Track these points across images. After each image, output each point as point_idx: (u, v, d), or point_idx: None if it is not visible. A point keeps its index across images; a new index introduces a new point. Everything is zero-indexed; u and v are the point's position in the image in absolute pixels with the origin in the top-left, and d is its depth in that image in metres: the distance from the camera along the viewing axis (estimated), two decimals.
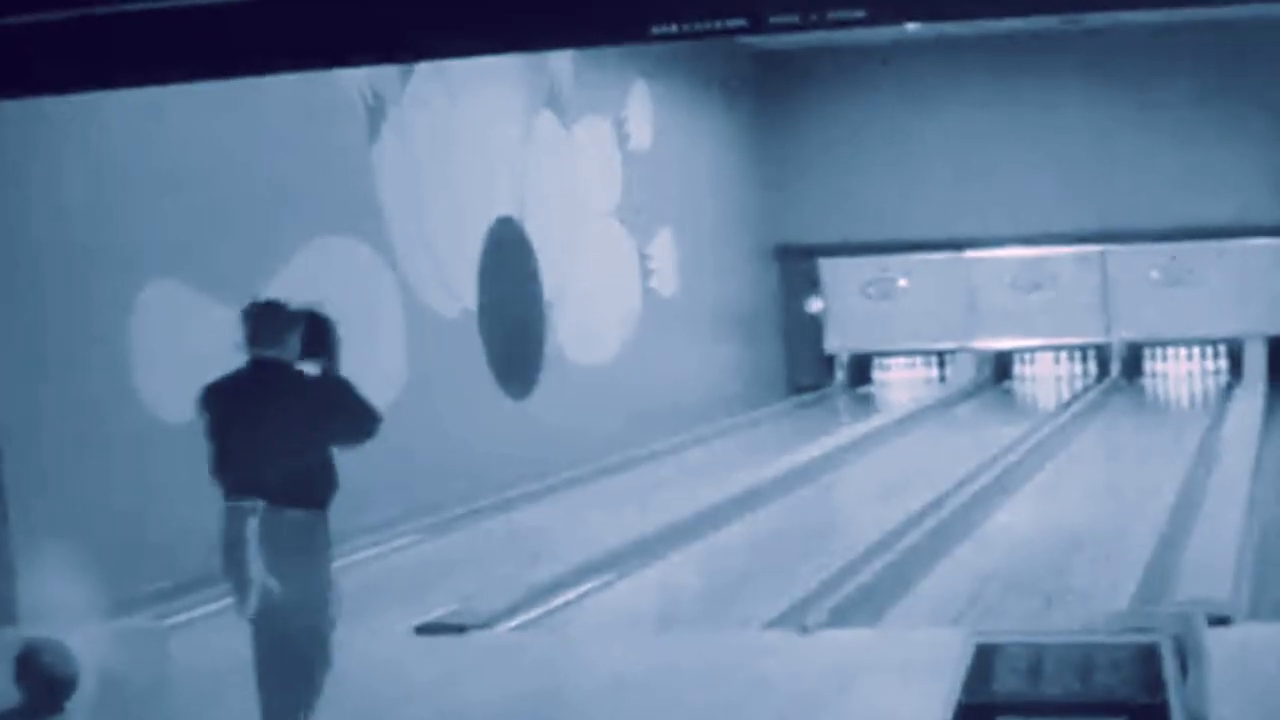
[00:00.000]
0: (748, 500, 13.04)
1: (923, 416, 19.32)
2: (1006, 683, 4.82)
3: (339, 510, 12.28)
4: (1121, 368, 21.99)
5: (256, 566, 6.06)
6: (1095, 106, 21.38)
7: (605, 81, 17.47)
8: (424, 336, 13.56)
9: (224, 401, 6.33)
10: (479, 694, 7.59)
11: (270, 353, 6.29)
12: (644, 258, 18.57)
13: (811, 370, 22.73)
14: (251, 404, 6.22)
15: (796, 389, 22.23)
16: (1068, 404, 19.89)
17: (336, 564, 11.18)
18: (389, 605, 9.78)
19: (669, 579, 10.75)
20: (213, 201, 11.06)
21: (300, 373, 6.31)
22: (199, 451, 10.65)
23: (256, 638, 6.21)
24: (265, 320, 6.38)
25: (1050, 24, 20.04)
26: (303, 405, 6.23)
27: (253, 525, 6.08)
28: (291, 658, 6.18)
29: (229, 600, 9.84)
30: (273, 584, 6.07)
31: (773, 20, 6.71)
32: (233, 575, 6.15)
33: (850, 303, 22.68)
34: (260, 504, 6.07)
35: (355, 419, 6.39)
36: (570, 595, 9.92)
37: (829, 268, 22.63)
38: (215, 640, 8.94)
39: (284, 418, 6.17)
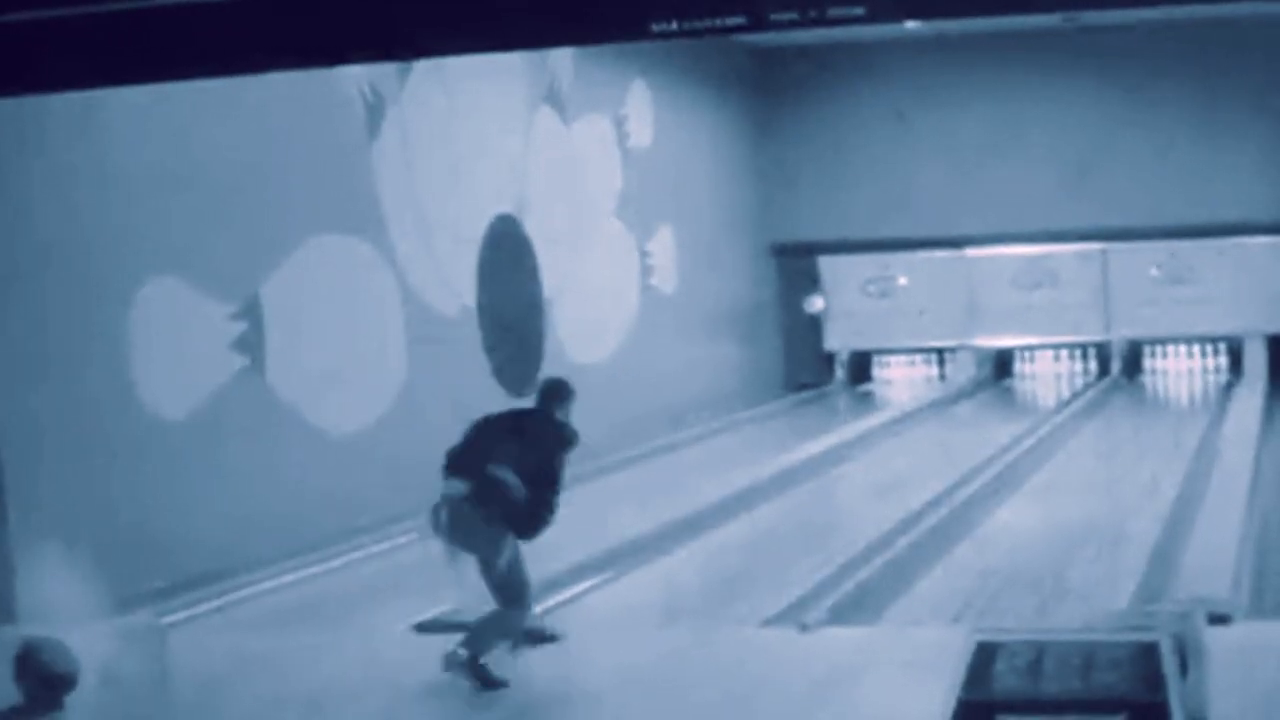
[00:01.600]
0: (747, 498, 13.03)
1: (923, 414, 19.32)
2: (1007, 680, 4.82)
3: (337, 509, 12.33)
4: (1121, 365, 21.99)
5: (443, 542, 7.66)
6: (1095, 104, 21.37)
7: (605, 79, 17.47)
8: (423, 334, 13.56)
9: (505, 420, 7.98)
10: (478, 692, 7.57)
11: (550, 409, 7.90)
12: (644, 255, 18.57)
13: (811, 368, 22.73)
14: (520, 433, 7.80)
15: (796, 387, 22.23)
16: (1068, 402, 19.89)
17: (337, 563, 11.25)
18: (390, 604, 9.78)
19: (669, 576, 10.74)
20: (213, 200, 11.05)
21: (563, 427, 7.87)
22: (198, 450, 10.71)
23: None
24: (549, 388, 8.02)
25: (1050, 22, 20.01)
26: (552, 447, 7.74)
27: (443, 516, 7.62)
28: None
29: (227, 599, 9.92)
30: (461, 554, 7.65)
31: (772, 18, 6.70)
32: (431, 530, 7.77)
33: (850, 301, 22.67)
34: (456, 497, 7.59)
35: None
36: (570, 592, 9.91)
37: (829, 266, 22.62)
38: (214, 638, 8.95)
39: (523, 449, 7.68)
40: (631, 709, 7.38)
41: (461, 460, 7.74)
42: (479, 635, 7.56)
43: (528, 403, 8.19)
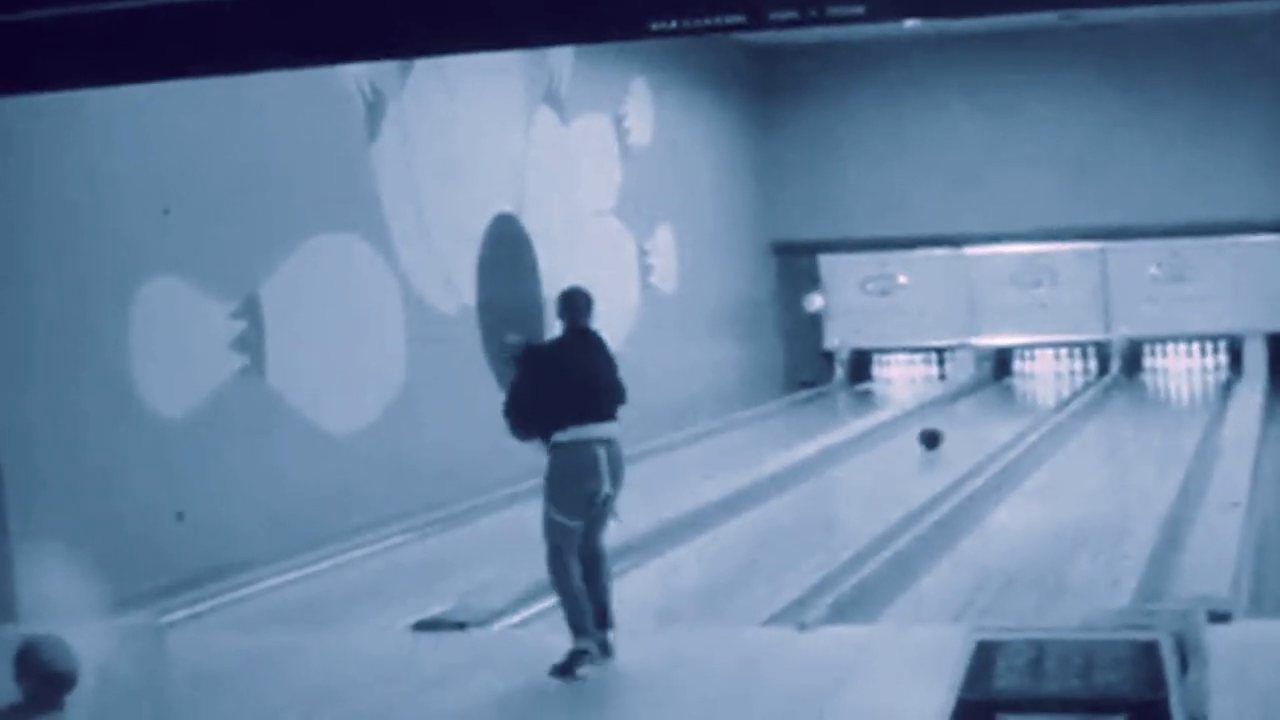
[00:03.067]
0: (747, 497, 13.02)
1: (923, 413, 19.30)
2: (1007, 679, 4.81)
3: (336, 508, 12.32)
4: (1121, 364, 21.99)
5: (607, 482, 7.70)
6: (1095, 103, 21.37)
7: (605, 78, 17.46)
8: (423, 332, 13.56)
9: (554, 359, 8.02)
10: (478, 691, 7.58)
11: (584, 323, 8.01)
12: (643, 254, 18.57)
13: (811, 367, 22.73)
14: (583, 359, 7.93)
15: (797, 385, 22.22)
16: (1068, 401, 19.88)
17: (336, 561, 11.24)
18: (389, 602, 9.78)
19: (668, 575, 10.74)
20: (212, 199, 11.05)
21: (599, 335, 8.07)
22: (197, 448, 10.71)
23: (570, 543, 7.75)
24: (578, 300, 8.03)
25: (1049, 20, 20.02)
26: (608, 357, 8.02)
27: (602, 455, 7.68)
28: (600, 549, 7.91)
29: (226, 598, 9.91)
30: (613, 492, 7.77)
31: (772, 16, 6.70)
32: (577, 492, 7.67)
33: (850, 299, 22.68)
34: (607, 437, 7.72)
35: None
36: None
37: (828, 264, 22.63)
38: (213, 637, 8.95)
39: (604, 367, 7.96)
40: (631, 707, 7.38)
41: (581, 410, 7.75)
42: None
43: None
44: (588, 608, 7.66)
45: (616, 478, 7.76)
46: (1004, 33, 20.41)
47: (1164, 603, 8.52)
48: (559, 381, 7.81)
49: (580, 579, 7.71)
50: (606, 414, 7.82)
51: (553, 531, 7.71)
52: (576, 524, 7.68)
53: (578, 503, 7.68)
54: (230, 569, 10.35)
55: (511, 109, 15.61)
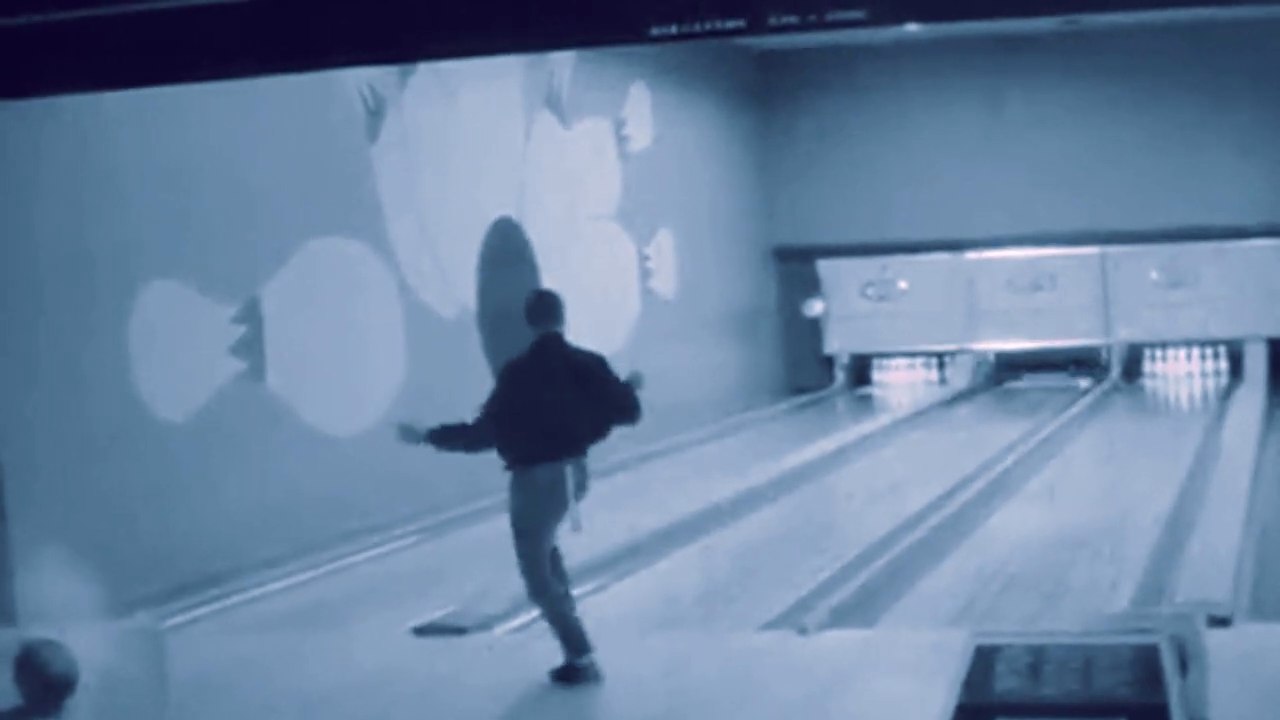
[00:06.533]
0: (747, 501, 13.03)
1: (922, 418, 19.31)
2: (1006, 683, 4.81)
3: (336, 512, 12.31)
4: (1121, 369, 21.99)
5: (572, 500, 7.49)
6: (1095, 107, 21.38)
7: (605, 82, 17.47)
8: (423, 336, 13.56)
9: (529, 374, 7.57)
10: (478, 695, 7.58)
11: (553, 329, 7.53)
12: (643, 258, 18.57)
13: (811, 371, 22.72)
14: (553, 382, 7.49)
15: (796, 390, 22.22)
16: (1068, 404, 19.87)
17: (336, 565, 11.24)
18: (390, 607, 9.78)
19: (668, 580, 10.74)
20: (213, 203, 11.06)
21: (569, 343, 7.58)
22: (198, 452, 10.71)
23: (545, 566, 7.52)
24: (546, 303, 7.57)
25: (1050, 25, 20.03)
26: (578, 367, 7.52)
27: (568, 472, 7.44)
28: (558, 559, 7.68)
29: (227, 602, 9.92)
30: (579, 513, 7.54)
31: (772, 21, 6.71)
32: (546, 514, 7.46)
33: (850, 304, 22.68)
34: (578, 461, 7.48)
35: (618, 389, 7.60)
36: None
37: (828, 269, 22.63)
38: (213, 641, 8.95)
39: (572, 380, 7.47)
40: (631, 712, 7.37)
41: (556, 443, 7.46)
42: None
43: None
44: (581, 624, 7.55)
45: (580, 489, 7.53)
46: (1005, 37, 20.42)
47: (1163, 606, 8.53)
48: (527, 412, 7.51)
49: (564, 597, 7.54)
50: (577, 450, 7.50)
51: (524, 559, 7.51)
52: (545, 544, 7.50)
53: (547, 524, 7.49)
54: (230, 573, 10.35)
55: (512, 113, 15.61)
